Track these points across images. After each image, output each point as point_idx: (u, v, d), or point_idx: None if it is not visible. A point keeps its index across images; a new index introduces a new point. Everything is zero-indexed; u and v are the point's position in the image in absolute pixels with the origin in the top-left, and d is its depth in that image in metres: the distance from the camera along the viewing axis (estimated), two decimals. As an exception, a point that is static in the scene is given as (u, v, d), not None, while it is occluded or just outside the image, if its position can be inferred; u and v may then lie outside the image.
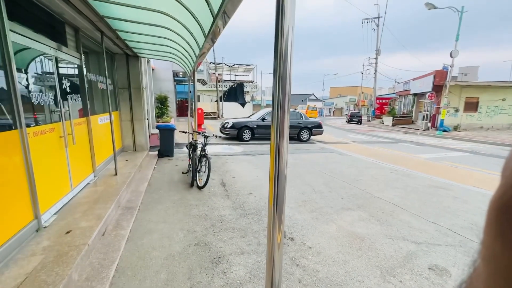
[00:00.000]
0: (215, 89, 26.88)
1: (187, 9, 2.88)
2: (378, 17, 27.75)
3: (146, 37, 4.38)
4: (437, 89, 17.65)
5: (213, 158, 6.97)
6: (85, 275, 2.35)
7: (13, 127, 2.49)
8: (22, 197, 2.61)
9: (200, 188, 4.75)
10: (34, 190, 2.71)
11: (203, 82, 25.36)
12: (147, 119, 7.70)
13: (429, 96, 18.05)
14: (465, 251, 2.99)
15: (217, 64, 28.42)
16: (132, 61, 6.63)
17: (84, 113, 4.43)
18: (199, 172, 4.86)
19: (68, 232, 2.77)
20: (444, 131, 16.30)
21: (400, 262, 2.75)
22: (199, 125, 12.37)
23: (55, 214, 3.15)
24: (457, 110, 18.32)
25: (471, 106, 18.54)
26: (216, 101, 25.88)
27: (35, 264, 2.23)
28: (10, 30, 2.47)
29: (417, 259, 2.81)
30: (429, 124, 18.71)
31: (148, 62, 10.60)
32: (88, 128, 4.48)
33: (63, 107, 3.53)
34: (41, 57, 3.25)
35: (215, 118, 23.89)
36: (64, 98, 3.66)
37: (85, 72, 4.42)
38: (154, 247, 2.87)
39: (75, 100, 4.09)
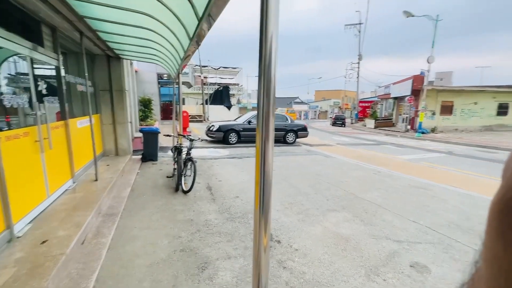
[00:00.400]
0: (200, 92, 26.63)
1: (171, 11, 2.84)
2: (360, 23, 28.74)
3: (129, 38, 4.27)
4: (416, 93, 18.45)
5: (199, 162, 6.87)
6: (62, 287, 2.23)
7: (-18, 131, 2.33)
8: (-8, 206, 2.44)
9: (185, 192, 4.66)
10: (6, 198, 2.54)
11: (188, 85, 25.06)
12: (130, 122, 7.47)
13: (408, 99, 18.84)
14: (443, 248, 3.12)
15: (203, 66, 28.20)
16: (113, 63, 6.44)
17: (62, 116, 4.23)
18: (184, 176, 4.77)
19: (44, 242, 2.62)
20: (423, 133, 17.03)
21: (383, 260, 2.82)
22: (184, 128, 12.17)
23: (29, 223, 2.97)
24: (434, 113, 19.21)
25: (447, 109, 19.52)
26: (202, 104, 25.62)
27: (7, 278, 2.09)
28: (-20, 29, 2.33)
29: (399, 257, 2.90)
30: (409, 127, 19.49)
31: (131, 64, 10.34)
32: (66, 132, 4.28)
33: (39, 110, 3.36)
34: (15, 57, 3.09)
35: (200, 121, 23.62)
36: (40, 101, 3.48)
37: (63, 74, 4.24)
38: (137, 255, 2.78)
39: (52, 102, 3.91)
